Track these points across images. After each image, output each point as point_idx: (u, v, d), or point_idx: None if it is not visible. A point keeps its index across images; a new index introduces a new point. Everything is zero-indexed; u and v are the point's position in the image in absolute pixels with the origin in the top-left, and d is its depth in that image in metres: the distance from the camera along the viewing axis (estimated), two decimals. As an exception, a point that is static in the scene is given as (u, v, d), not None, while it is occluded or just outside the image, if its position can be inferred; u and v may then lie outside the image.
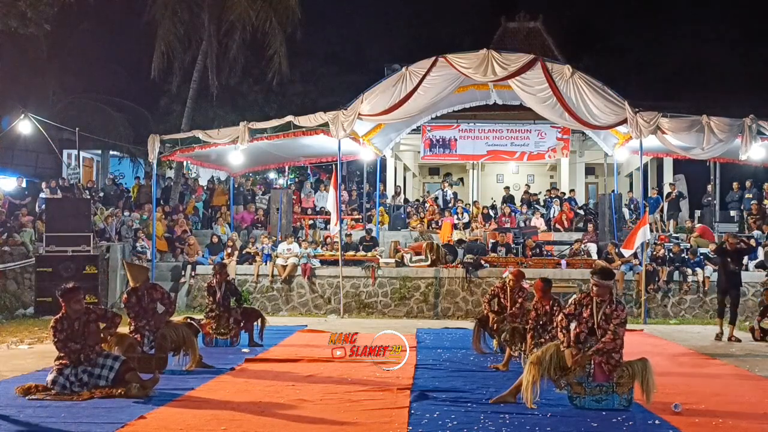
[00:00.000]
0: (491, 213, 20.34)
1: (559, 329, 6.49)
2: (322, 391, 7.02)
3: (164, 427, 5.60)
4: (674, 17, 39.23)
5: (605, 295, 6.38)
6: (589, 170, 26.23)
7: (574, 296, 7.96)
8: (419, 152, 23.11)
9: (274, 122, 15.54)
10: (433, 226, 19.39)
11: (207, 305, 10.47)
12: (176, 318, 8.79)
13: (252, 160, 18.13)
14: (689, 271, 15.18)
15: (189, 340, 8.24)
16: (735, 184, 19.77)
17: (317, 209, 20.92)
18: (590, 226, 18.65)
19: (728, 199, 19.88)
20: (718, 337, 11.60)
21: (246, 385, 7.36)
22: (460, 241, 17.24)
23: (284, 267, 15.66)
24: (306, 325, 12.94)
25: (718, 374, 8.47)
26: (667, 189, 21.18)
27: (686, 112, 14.52)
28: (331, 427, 5.69)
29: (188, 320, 8.96)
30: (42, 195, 18.16)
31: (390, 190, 23.40)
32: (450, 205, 20.76)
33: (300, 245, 16.26)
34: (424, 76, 14.34)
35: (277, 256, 15.86)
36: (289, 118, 15.26)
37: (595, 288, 6.38)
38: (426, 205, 21.10)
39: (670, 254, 15.59)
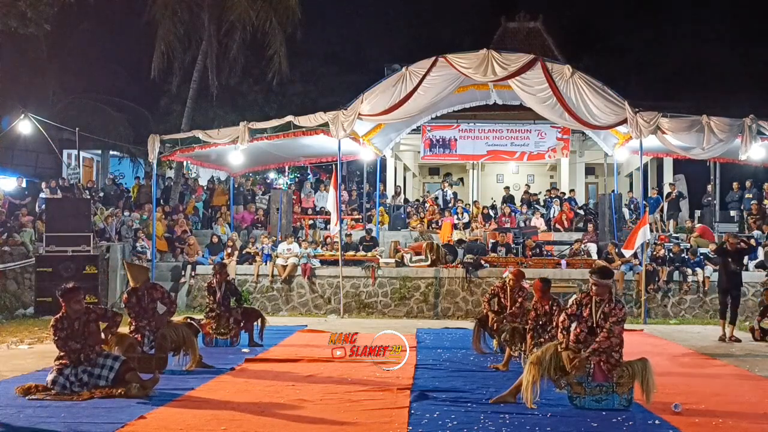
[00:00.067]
0: (491, 213, 20.34)
1: (559, 330, 6.49)
2: (322, 391, 7.01)
3: (164, 427, 5.60)
4: (674, 17, 39.33)
5: (604, 295, 6.40)
6: (589, 170, 26.22)
7: (575, 296, 7.96)
8: (419, 152, 23.10)
9: (274, 122, 15.54)
10: (433, 226, 19.39)
11: (207, 305, 10.48)
12: (176, 318, 8.78)
13: (252, 160, 18.13)
14: (689, 271, 15.18)
15: (189, 340, 8.24)
16: (735, 184, 19.76)
17: (317, 209, 20.91)
18: (590, 226, 18.64)
19: (728, 199, 19.87)
20: (723, 338, 11.46)
21: (246, 385, 7.36)
22: (460, 241, 17.23)
23: (284, 267, 15.66)
24: (306, 325, 12.94)
25: (718, 374, 8.47)
26: (667, 189, 21.16)
27: (686, 112, 14.52)
28: (331, 427, 5.69)
29: (188, 320, 8.96)
30: (42, 195, 18.16)
31: (390, 190, 23.39)
32: (450, 205, 20.75)
33: (300, 245, 16.26)
34: (424, 76, 14.34)
35: (277, 256, 15.86)
36: (289, 118, 15.26)
37: (594, 287, 6.41)
38: (426, 205, 21.09)
39: (670, 254, 15.59)
